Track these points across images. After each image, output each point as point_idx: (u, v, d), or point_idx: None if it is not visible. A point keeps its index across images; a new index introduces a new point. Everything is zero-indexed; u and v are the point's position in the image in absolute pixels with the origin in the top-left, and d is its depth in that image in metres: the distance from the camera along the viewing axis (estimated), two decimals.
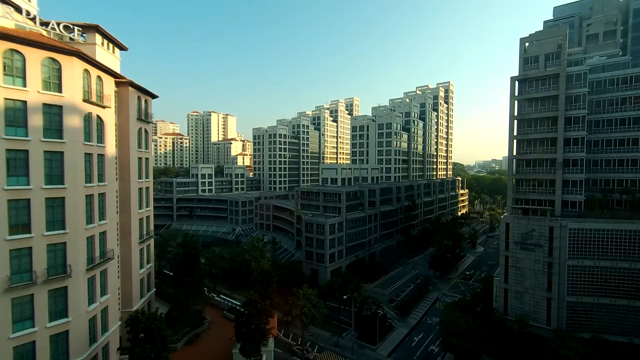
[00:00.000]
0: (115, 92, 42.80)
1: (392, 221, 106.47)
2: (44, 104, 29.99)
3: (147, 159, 50.94)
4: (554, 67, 57.31)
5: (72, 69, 31.62)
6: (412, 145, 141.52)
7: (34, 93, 29.31)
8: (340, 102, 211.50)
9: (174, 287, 59.28)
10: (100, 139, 36.25)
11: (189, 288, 56.93)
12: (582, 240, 50.00)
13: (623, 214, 52.09)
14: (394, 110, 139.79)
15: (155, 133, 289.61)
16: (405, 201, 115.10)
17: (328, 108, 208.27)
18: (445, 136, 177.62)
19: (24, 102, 28.81)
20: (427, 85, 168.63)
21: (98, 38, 40.50)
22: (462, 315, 47.80)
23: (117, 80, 42.00)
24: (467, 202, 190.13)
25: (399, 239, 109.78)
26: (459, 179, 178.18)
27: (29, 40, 28.88)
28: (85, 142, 33.33)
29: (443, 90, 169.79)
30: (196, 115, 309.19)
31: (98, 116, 35.60)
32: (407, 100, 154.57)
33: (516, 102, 59.89)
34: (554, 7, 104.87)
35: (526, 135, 59.09)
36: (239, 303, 60.98)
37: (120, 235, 45.43)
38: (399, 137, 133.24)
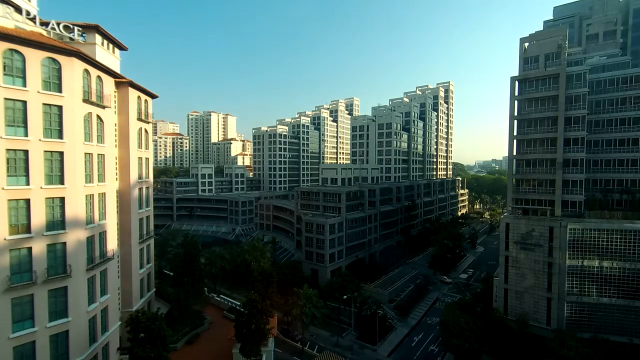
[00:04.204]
0: (115, 92, 42.83)
1: (392, 221, 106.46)
2: (44, 104, 29.98)
3: (147, 159, 50.92)
4: (554, 67, 57.28)
5: (72, 69, 31.62)
6: (412, 145, 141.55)
7: (34, 93, 29.29)
8: (340, 102, 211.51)
9: (174, 287, 59.24)
10: (100, 139, 36.24)
11: (189, 288, 56.90)
12: (582, 240, 49.99)
13: (623, 213, 52.08)
14: (394, 110, 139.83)
15: (155, 133, 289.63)
16: (405, 201, 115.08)
17: (328, 108, 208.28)
18: (445, 136, 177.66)
19: (24, 102, 28.79)
20: (427, 85, 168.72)
21: (98, 38, 40.50)
22: (462, 315, 47.80)
23: (117, 80, 41.99)
24: (467, 202, 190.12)
25: (399, 239, 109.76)
26: (459, 179, 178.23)
27: (29, 40, 28.87)
28: (85, 142, 33.32)
29: (443, 90, 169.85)
30: (196, 115, 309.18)
31: (98, 116, 35.59)
32: (407, 100, 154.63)
33: (516, 102, 59.88)
34: (554, 7, 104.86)
35: (526, 135, 59.07)
36: (239, 303, 60.97)
37: (120, 235, 45.40)
38: (399, 137, 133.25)
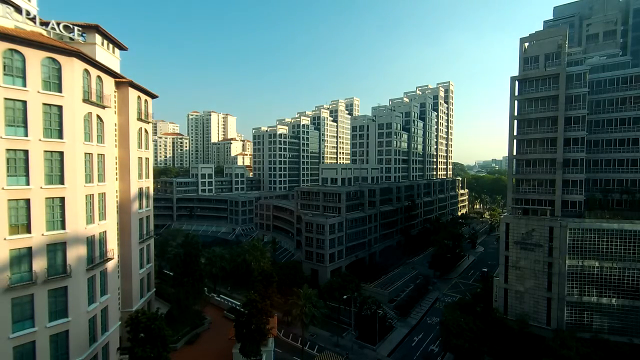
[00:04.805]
0: (115, 92, 42.84)
1: (392, 221, 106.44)
2: (44, 104, 30.01)
3: (147, 159, 50.93)
4: (554, 67, 57.29)
5: (72, 69, 31.63)
6: (412, 145, 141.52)
7: (34, 93, 29.31)
8: (340, 102, 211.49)
9: (174, 287, 59.26)
10: (100, 139, 36.26)
11: (189, 288, 56.90)
12: (582, 240, 49.99)
13: (623, 214, 52.09)
14: (394, 110, 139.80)
15: (155, 133, 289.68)
16: (405, 201, 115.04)
17: (328, 108, 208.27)
18: (445, 136, 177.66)
19: (24, 102, 28.81)
20: (427, 85, 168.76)
21: (98, 38, 40.53)
22: (462, 315, 47.78)
23: (117, 80, 42.00)
24: (467, 202, 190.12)
25: (399, 239, 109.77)
26: (459, 179, 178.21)
27: (29, 40, 28.89)
28: (85, 142, 33.35)
29: (443, 90, 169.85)
30: (196, 115, 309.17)
31: (98, 116, 35.61)
32: (407, 100, 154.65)
33: (516, 102, 59.88)
34: (554, 7, 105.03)
35: (526, 135, 59.08)
36: (239, 303, 60.96)
37: (120, 235, 45.42)
38: (399, 137, 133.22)
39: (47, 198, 30.18)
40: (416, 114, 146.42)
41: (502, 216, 65.30)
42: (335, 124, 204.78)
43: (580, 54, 67.27)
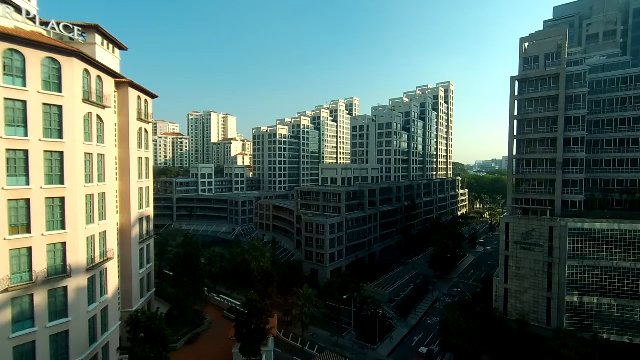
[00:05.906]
0: (115, 92, 42.81)
1: (392, 221, 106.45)
2: (44, 104, 29.96)
3: (147, 159, 50.91)
4: (554, 67, 57.32)
5: (72, 69, 31.61)
6: (412, 145, 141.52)
7: (34, 93, 29.28)
8: (340, 102, 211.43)
9: (174, 287, 59.19)
10: (100, 139, 36.24)
11: (189, 288, 56.87)
12: (582, 240, 50.03)
13: (623, 214, 52.10)
14: (394, 110, 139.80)
15: (155, 133, 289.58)
16: (405, 201, 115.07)
17: (328, 108, 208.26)
18: (445, 136, 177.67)
19: (24, 102, 28.78)
20: (427, 85, 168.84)
21: (98, 38, 40.51)
22: (462, 315, 47.81)
23: (117, 80, 41.97)
24: (467, 202, 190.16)
25: (399, 239, 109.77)
26: (459, 179, 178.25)
27: (29, 40, 28.86)
28: (85, 142, 33.33)
29: (443, 90, 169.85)
30: (196, 115, 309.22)
31: (98, 116, 35.60)
32: (407, 100, 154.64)
33: (516, 102, 59.93)
34: (554, 7, 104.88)
35: (526, 135, 59.10)
36: (239, 303, 60.96)
37: (120, 235, 45.39)
38: (399, 137, 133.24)
39: (47, 198, 30.15)
40: (416, 114, 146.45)
41: (502, 216, 65.31)
42: (335, 124, 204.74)
43: (580, 54, 67.28)
